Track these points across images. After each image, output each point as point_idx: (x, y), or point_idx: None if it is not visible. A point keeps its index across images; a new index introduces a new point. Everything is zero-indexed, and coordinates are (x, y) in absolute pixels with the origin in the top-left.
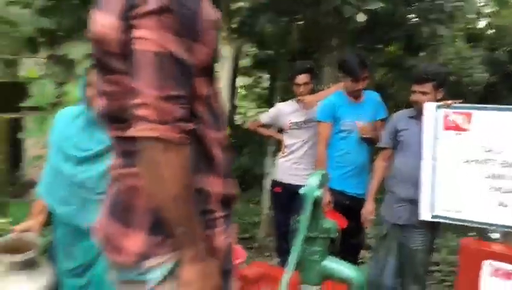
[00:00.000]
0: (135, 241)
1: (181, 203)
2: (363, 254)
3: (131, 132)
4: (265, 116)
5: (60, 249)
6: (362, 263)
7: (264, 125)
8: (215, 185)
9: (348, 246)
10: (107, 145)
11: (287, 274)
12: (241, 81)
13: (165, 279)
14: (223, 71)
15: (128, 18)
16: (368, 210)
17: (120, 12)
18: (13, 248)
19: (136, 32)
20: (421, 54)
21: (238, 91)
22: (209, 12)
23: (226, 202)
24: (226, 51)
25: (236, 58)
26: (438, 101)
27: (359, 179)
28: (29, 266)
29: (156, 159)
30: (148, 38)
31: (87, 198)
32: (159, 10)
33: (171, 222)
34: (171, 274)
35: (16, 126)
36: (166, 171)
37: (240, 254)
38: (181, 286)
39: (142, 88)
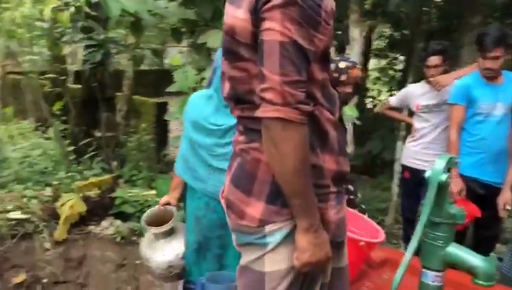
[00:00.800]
0: (256, 208)
1: (299, 176)
2: (499, 248)
3: (259, 113)
4: (394, 99)
5: (191, 221)
6: (500, 259)
7: (394, 109)
8: (328, 162)
9: (481, 238)
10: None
11: (406, 257)
12: (375, 63)
13: (281, 243)
14: (352, 53)
15: (257, 11)
16: (504, 199)
17: (250, 6)
18: (158, 218)
19: (265, 24)
20: None
21: (370, 74)
22: (329, 3)
23: (339, 178)
24: (356, 33)
25: (368, 40)
26: None
27: (496, 167)
28: (169, 235)
29: (279, 136)
30: (275, 29)
31: (218, 169)
32: (284, 4)
33: (289, 194)
34: (287, 239)
35: (162, 109)
36: (287, 147)
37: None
38: (295, 252)
39: (269, 74)
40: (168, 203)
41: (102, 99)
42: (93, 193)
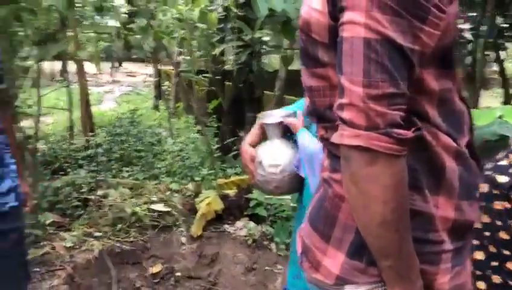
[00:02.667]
0: (334, 260)
1: (389, 230)
2: None
3: (334, 138)
4: None
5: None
6: None
7: None
8: (444, 208)
9: None
10: None
11: None
12: None
13: None
14: None
15: (336, 0)
16: None
17: None
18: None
19: (345, 16)
20: None
21: None
22: None
23: (460, 231)
24: None
25: None
26: None
27: None
28: (286, 139)
29: (360, 172)
30: (358, 22)
31: None
32: None
33: (375, 252)
34: None
35: None
36: (372, 188)
37: None
38: None
39: (348, 85)
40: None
41: (249, 99)
42: (232, 191)
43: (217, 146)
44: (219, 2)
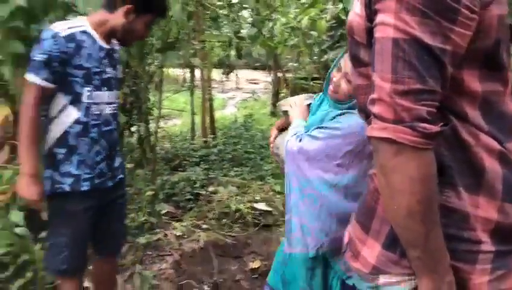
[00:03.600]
0: (372, 251)
1: (414, 220)
2: None
3: (367, 131)
4: None
5: None
6: None
7: None
8: (484, 209)
9: None
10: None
11: None
12: None
13: None
14: None
15: (371, 3)
16: None
17: None
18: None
19: (377, 18)
20: None
21: None
22: None
23: (504, 234)
24: None
25: None
26: None
27: None
28: None
29: (387, 164)
30: (388, 23)
31: None
32: None
33: (403, 241)
34: None
35: None
36: (399, 179)
37: None
38: None
39: (379, 81)
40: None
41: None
42: None
43: None
44: (329, 10)
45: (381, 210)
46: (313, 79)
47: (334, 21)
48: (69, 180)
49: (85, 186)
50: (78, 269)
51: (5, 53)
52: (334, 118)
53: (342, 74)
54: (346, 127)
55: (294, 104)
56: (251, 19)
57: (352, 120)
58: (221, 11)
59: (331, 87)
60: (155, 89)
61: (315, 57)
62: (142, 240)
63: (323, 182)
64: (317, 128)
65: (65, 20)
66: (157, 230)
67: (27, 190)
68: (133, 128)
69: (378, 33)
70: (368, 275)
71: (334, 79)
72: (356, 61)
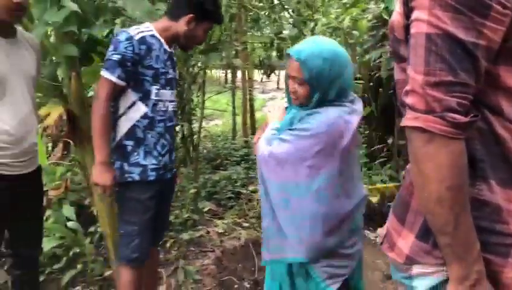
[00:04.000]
0: (406, 241)
1: (443, 207)
2: None
3: (402, 121)
4: None
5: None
6: None
7: None
8: None
9: None
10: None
11: None
12: None
13: None
14: None
15: (408, 1)
16: None
17: None
18: None
19: (413, 15)
20: None
21: None
22: None
23: None
24: None
25: None
26: None
27: None
28: None
29: (419, 152)
30: (422, 19)
31: None
32: None
33: (433, 228)
34: None
35: None
36: (428, 166)
37: None
38: None
39: (412, 74)
40: None
41: (398, 106)
42: (375, 198)
43: (364, 152)
44: (371, 10)
45: (415, 203)
46: (355, 79)
47: (375, 20)
48: (138, 170)
49: (151, 176)
50: (146, 258)
51: (60, 56)
52: (302, 119)
53: (291, 79)
54: (315, 126)
55: (273, 108)
56: (291, 19)
57: (320, 119)
58: (262, 12)
59: (291, 96)
60: (198, 90)
61: (356, 57)
62: (185, 236)
63: (295, 186)
64: (286, 130)
65: (114, 24)
66: (200, 227)
67: (101, 176)
68: (176, 128)
69: (413, 29)
70: (402, 265)
71: (290, 87)
72: (397, 57)
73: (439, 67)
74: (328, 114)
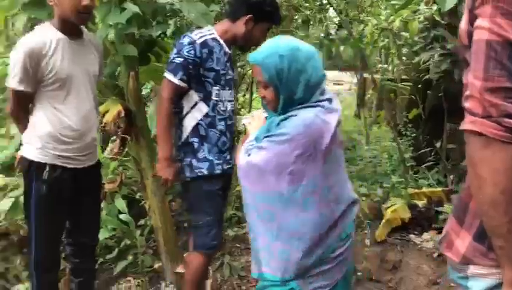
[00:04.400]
0: (463, 241)
1: (497, 210)
2: None
3: (461, 125)
4: None
5: None
6: None
7: None
8: None
9: None
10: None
11: None
12: None
13: None
14: None
15: (472, 9)
16: None
17: (469, 4)
18: None
19: (476, 22)
20: None
21: None
22: None
23: None
24: None
25: None
26: None
27: None
28: None
29: (475, 155)
30: (484, 26)
31: None
32: None
33: (488, 229)
34: None
35: None
36: (484, 169)
37: None
38: None
39: (472, 79)
40: None
41: (448, 109)
42: (422, 202)
43: (410, 155)
44: (422, 12)
45: (474, 206)
46: (402, 80)
47: (426, 22)
48: (206, 164)
49: (218, 170)
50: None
51: (120, 56)
52: (278, 124)
53: (259, 85)
54: (291, 130)
55: (252, 118)
56: (337, 19)
57: (297, 122)
58: (308, 12)
59: (264, 102)
60: (246, 90)
61: (405, 58)
62: (230, 232)
63: (278, 196)
64: (264, 138)
65: (169, 25)
66: (244, 224)
67: (164, 171)
68: None
69: (475, 36)
70: (459, 264)
71: (260, 94)
72: (465, 63)
73: (497, 73)
74: (304, 116)
